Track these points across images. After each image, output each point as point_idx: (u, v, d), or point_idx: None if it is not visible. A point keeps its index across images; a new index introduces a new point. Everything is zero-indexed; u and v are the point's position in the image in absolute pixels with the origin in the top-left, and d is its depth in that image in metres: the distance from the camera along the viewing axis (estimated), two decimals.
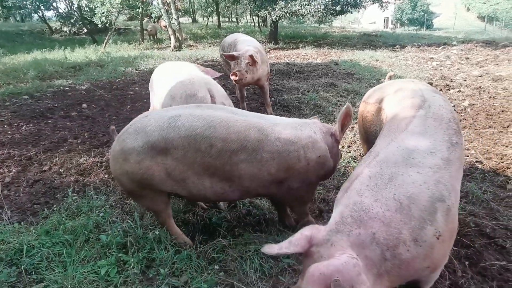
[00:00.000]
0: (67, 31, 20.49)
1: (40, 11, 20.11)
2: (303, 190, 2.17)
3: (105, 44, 13.53)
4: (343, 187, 1.55)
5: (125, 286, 2.04)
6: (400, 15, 44.65)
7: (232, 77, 4.07)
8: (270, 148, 1.96)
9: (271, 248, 1.26)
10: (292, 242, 1.26)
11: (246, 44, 5.08)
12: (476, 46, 11.86)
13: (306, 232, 1.31)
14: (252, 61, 4.16)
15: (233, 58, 4.29)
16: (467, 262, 2.19)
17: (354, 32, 20.94)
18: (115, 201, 2.87)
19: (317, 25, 25.29)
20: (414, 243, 1.24)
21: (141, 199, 2.18)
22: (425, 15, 42.88)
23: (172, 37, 13.51)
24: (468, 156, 3.59)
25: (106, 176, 3.37)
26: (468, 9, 52.82)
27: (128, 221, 2.56)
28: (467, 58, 9.64)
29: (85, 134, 4.50)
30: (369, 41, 15.16)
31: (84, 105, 5.75)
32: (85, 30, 19.00)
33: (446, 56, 10.07)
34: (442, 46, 12.36)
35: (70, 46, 12.49)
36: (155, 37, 17.17)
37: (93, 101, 6.05)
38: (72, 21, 19.71)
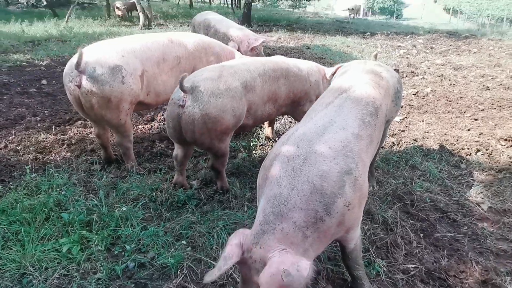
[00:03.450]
0: (25, 3, 18.88)
1: None
2: (307, 108, 2.84)
3: (67, 19, 12.65)
4: (264, 165, 1.63)
5: (89, 263, 1.99)
6: (372, 3, 45.47)
7: None
8: (293, 73, 2.77)
9: (211, 274, 1.25)
10: (227, 257, 1.29)
11: (230, 25, 5.09)
12: (441, 37, 12.37)
13: (234, 241, 1.36)
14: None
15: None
16: (422, 234, 2.34)
17: (327, 18, 21.06)
18: (78, 179, 2.76)
19: (291, 9, 25.13)
20: (328, 216, 1.40)
21: (224, 139, 2.43)
22: (395, 4, 43.98)
23: (141, 15, 12.88)
24: (428, 138, 3.79)
25: (68, 154, 3.22)
26: (435, 1, 54.69)
27: (93, 199, 2.49)
28: (431, 48, 10.04)
29: (45, 111, 4.25)
30: (341, 27, 15.32)
31: (44, 82, 5.40)
32: (45, 3, 17.60)
33: (413, 45, 10.43)
34: (410, 35, 12.75)
35: (28, 19, 11.56)
36: (130, 15, 15.91)
37: (54, 77, 5.69)
38: None
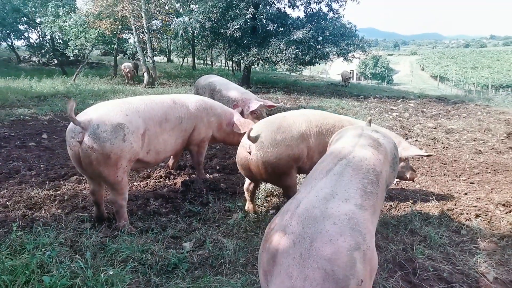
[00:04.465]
0: (36, 61, 20.00)
1: (9, 40, 19.66)
2: None
3: (75, 76, 13.30)
4: (261, 263, 1.52)
5: None
6: (364, 69, 48.64)
7: None
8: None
9: None
10: None
11: (235, 89, 5.49)
12: (430, 101, 12.97)
13: None
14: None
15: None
16: None
17: (322, 81, 22.27)
18: (65, 238, 2.64)
19: (288, 72, 26.69)
20: None
21: (287, 177, 2.89)
22: (386, 71, 47.08)
23: (145, 74, 13.62)
24: (426, 201, 3.75)
25: (59, 210, 3.13)
26: (423, 69, 58.64)
27: (78, 260, 2.36)
28: (422, 111, 10.46)
29: (41, 165, 4.23)
30: (336, 90, 16.13)
31: (44, 136, 5.48)
32: (56, 62, 18.64)
33: (405, 108, 10.88)
34: (401, 99, 13.38)
35: (37, 76, 12.13)
36: (135, 74, 16.61)
37: (55, 132, 5.79)
38: (42, 51, 19.34)
